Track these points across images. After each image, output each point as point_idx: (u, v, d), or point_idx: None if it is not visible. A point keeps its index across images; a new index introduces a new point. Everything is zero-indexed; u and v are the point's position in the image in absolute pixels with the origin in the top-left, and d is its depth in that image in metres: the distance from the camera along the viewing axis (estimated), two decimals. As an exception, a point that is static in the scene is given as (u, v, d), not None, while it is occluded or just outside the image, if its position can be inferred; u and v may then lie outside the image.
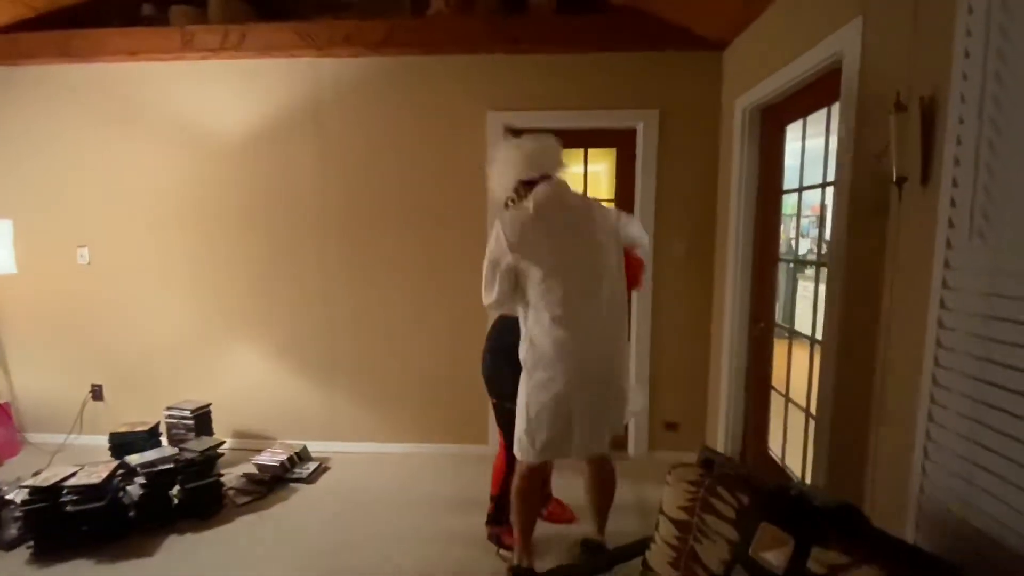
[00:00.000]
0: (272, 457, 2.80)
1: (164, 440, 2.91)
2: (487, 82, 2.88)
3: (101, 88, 3.00)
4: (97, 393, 3.24)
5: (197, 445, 2.54)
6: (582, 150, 3.01)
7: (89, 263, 3.13)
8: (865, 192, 1.54)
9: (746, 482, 1.16)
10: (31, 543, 2.19)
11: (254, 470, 2.76)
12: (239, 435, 3.19)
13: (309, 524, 2.40)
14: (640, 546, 1.31)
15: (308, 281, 3.07)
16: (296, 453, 2.91)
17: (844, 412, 1.66)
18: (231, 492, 2.62)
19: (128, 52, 2.87)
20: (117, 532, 2.26)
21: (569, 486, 2.45)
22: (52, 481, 2.19)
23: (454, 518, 2.41)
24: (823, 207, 3.31)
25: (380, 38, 2.79)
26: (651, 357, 2.98)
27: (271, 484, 2.71)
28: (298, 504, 2.59)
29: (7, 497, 2.48)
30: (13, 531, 2.26)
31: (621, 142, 2.92)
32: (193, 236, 3.09)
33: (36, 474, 2.49)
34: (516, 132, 2.92)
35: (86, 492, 2.18)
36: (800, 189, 2.20)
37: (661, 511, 1.25)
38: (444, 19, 2.80)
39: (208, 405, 3.01)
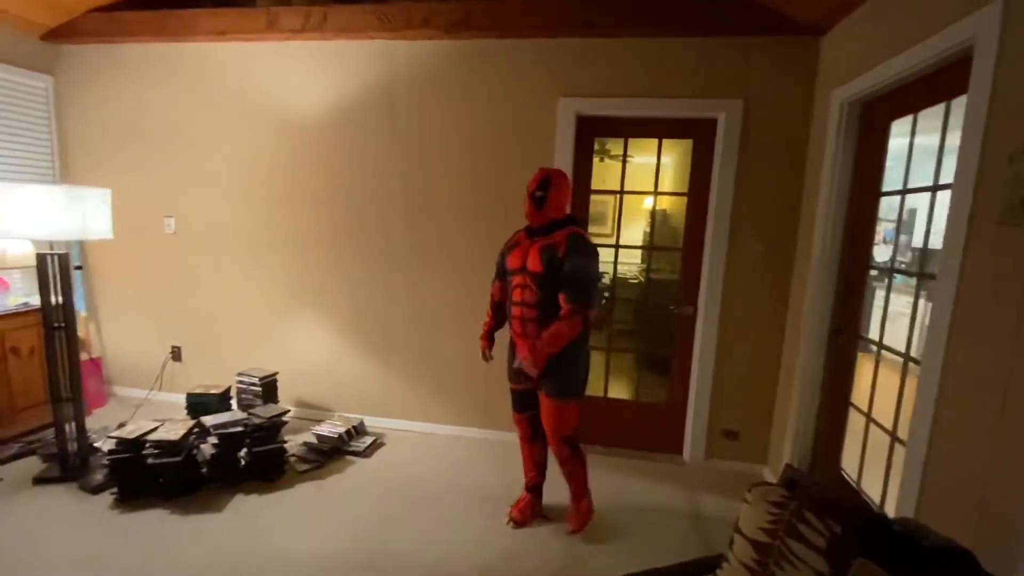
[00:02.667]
0: (331, 429, 2.91)
1: (234, 404, 3.07)
2: (561, 67, 2.80)
3: (191, 66, 3.15)
4: (176, 354, 3.47)
5: (264, 411, 2.66)
6: (656, 140, 2.89)
7: (175, 232, 3.33)
8: (993, 198, 1.37)
9: (838, 510, 1.07)
10: (115, 490, 2.37)
11: (314, 440, 2.87)
12: (301, 404, 3.33)
13: (363, 498, 2.47)
14: (709, 563, 1.24)
15: (372, 260, 3.14)
16: (353, 427, 3.00)
17: (945, 442, 1.50)
18: (292, 459, 2.74)
19: (217, 32, 2.99)
20: (190, 486, 2.41)
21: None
22: (136, 434, 2.36)
23: (503, 505, 2.41)
24: (914, 211, 3.00)
25: (456, 20, 2.76)
26: (716, 360, 2.85)
27: (329, 454, 2.81)
28: (354, 477, 2.67)
29: (95, 444, 2.71)
30: (99, 477, 2.46)
31: (699, 133, 2.77)
32: (268, 211, 3.21)
33: (121, 426, 2.70)
34: (587, 120, 2.84)
35: (165, 447, 2.34)
36: (904, 192, 2.00)
37: (738, 530, 1.18)
38: (521, 2, 2.73)
39: (275, 374, 3.15)
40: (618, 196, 2.98)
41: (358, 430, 3.05)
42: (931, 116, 1.87)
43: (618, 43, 2.73)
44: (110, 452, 2.35)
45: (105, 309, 3.54)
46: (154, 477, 2.35)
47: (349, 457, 2.85)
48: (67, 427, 2.53)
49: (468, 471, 2.77)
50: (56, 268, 2.43)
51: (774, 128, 2.64)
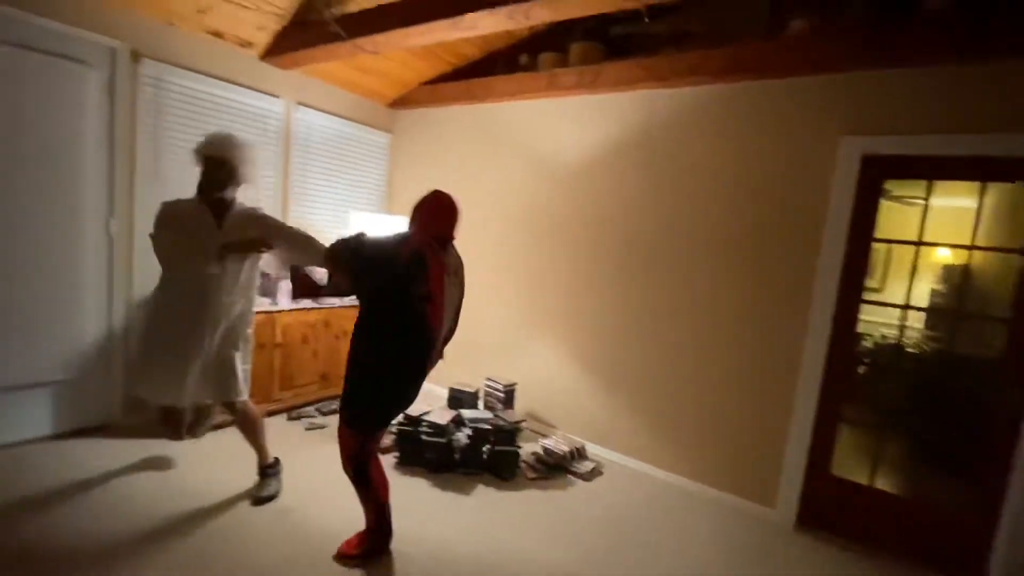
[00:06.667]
0: (557, 445, 3.12)
1: (480, 403, 3.56)
2: (843, 103, 2.55)
3: (488, 122, 3.86)
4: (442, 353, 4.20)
5: (507, 416, 3.02)
6: (977, 184, 2.37)
7: (454, 255, 4.08)
8: None
9: None
10: (397, 454, 2.99)
11: (542, 452, 3.12)
12: (530, 415, 3.66)
13: (582, 521, 2.57)
14: None
15: (613, 296, 3.30)
16: (576, 448, 3.16)
17: None
18: (523, 465, 3.03)
19: (509, 94, 3.61)
20: (446, 466, 2.88)
21: None
22: (417, 414, 2.94)
23: (718, 562, 2.22)
24: None
25: (724, 66, 2.77)
26: None
27: (553, 468, 3.02)
28: (575, 497, 2.81)
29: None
30: (387, 441, 3.12)
31: (1043, 174, 2.18)
32: (527, 243, 3.68)
33: (403, 404, 3.37)
34: (875, 160, 2.50)
35: (435, 428, 2.85)
36: None
37: None
38: (800, 39, 2.59)
39: (515, 384, 3.55)
40: (914, 248, 2.52)
41: (580, 453, 3.19)
42: None
43: (922, 72, 2.35)
44: (399, 423, 2.97)
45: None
46: (423, 451, 2.89)
47: (571, 477, 3.01)
48: (370, 397, 3.29)
49: (684, 527, 2.63)
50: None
51: None
